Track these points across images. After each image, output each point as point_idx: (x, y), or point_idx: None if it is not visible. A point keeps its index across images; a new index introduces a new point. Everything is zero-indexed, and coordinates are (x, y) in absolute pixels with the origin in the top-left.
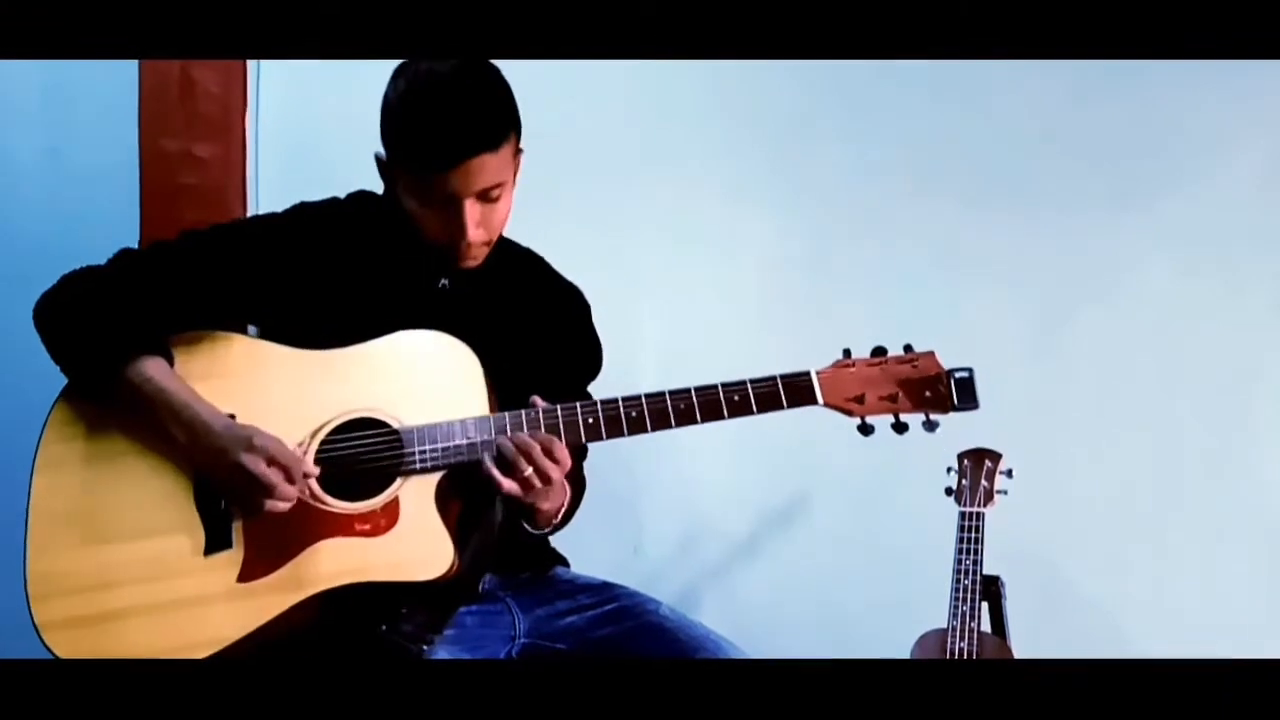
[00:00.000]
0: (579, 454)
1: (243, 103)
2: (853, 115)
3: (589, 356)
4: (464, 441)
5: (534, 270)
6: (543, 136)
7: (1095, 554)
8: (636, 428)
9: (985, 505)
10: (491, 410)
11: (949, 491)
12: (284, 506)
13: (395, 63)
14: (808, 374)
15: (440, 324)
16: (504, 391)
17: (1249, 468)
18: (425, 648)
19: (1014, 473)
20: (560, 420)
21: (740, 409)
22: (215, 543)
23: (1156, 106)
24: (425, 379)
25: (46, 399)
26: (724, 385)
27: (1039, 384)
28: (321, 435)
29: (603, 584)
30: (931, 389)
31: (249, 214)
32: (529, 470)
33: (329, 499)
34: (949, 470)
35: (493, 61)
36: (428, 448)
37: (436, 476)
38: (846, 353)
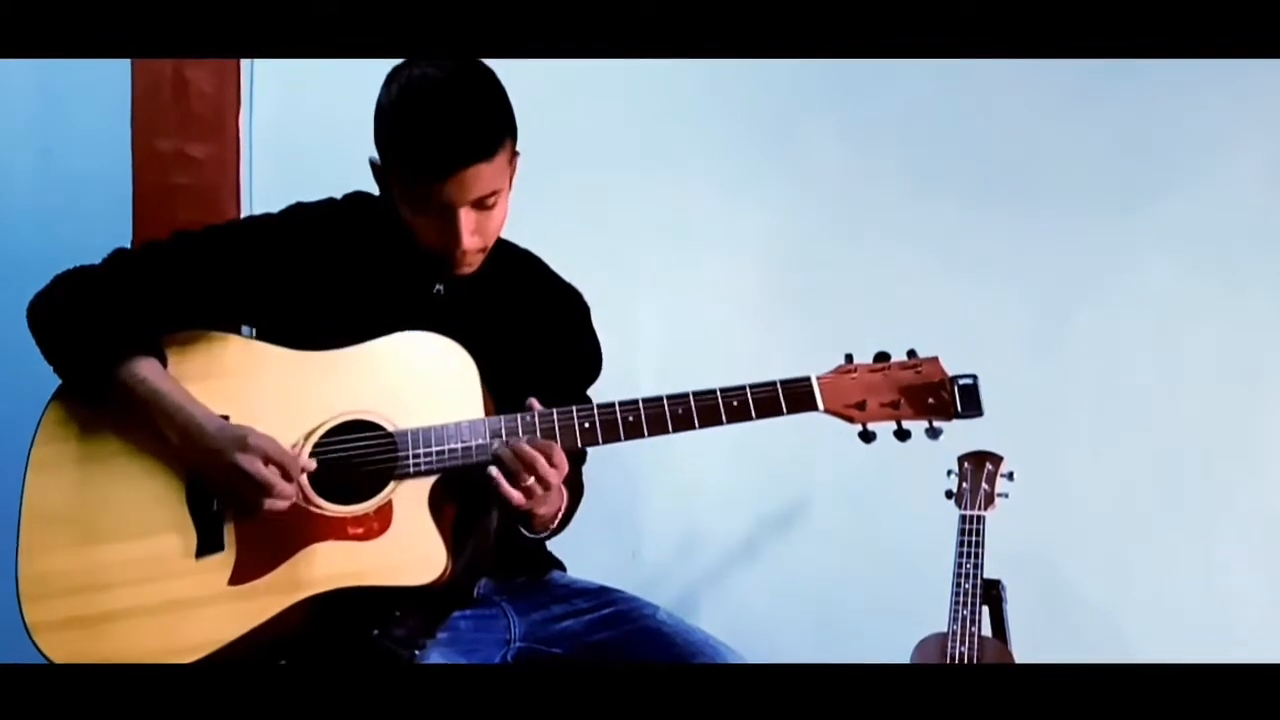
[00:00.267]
0: (578, 458)
1: (236, 102)
2: (852, 115)
3: (588, 359)
4: (459, 445)
5: (532, 273)
6: (540, 136)
7: (1096, 557)
8: (633, 433)
9: (986, 508)
10: (487, 413)
11: (949, 495)
12: (282, 505)
13: (390, 62)
14: (808, 379)
15: (435, 329)
16: (502, 395)
17: (1251, 470)
18: (417, 653)
19: (1015, 475)
20: (556, 425)
21: (739, 415)
22: (207, 545)
23: (1157, 106)
24: (420, 381)
25: (40, 400)
26: (723, 391)
27: (1040, 386)
28: (315, 437)
29: (600, 588)
30: (935, 396)
31: (243, 214)
32: (531, 479)
33: (322, 502)
34: (949, 473)
35: (487, 64)
36: (422, 451)
37: (431, 480)
38: (848, 358)
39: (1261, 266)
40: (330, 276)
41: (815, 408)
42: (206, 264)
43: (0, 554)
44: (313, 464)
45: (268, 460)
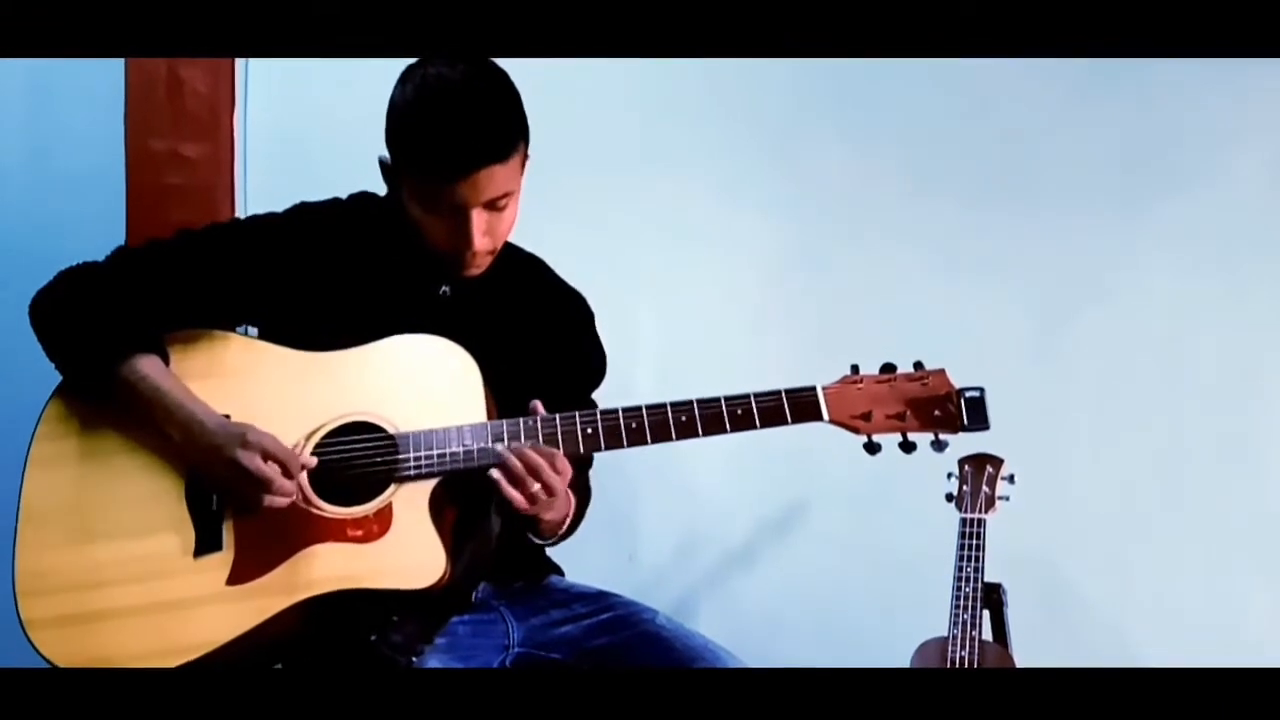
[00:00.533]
0: (584, 463)
1: (231, 102)
2: (852, 115)
3: (591, 364)
4: (460, 449)
5: (536, 276)
6: (538, 136)
7: (1098, 561)
8: (636, 439)
9: (986, 511)
10: (490, 417)
11: (949, 498)
12: (282, 502)
13: (387, 62)
14: (813, 390)
15: (440, 331)
16: (505, 399)
17: (1254, 472)
18: (415, 659)
19: (1015, 478)
20: (559, 430)
21: (743, 423)
22: (205, 544)
23: (1158, 106)
24: (423, 384)
25: (39, 397)
26: (727, 399)
27: (1040, 387)
28: (316, 438)
29: (598, 593)
30: (941, 408)
31: (237, 214)
32: (536, 486)
33: (321, 503)
34: (949, 476)
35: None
36: (423, 454)
37: (431, 483)
38: (854, 368)
39: (1263, 267)
40: (335, 277)
41: (820, 418)
42: (210, 262)
43: None
44: (313, 461)
45: (267, 456)
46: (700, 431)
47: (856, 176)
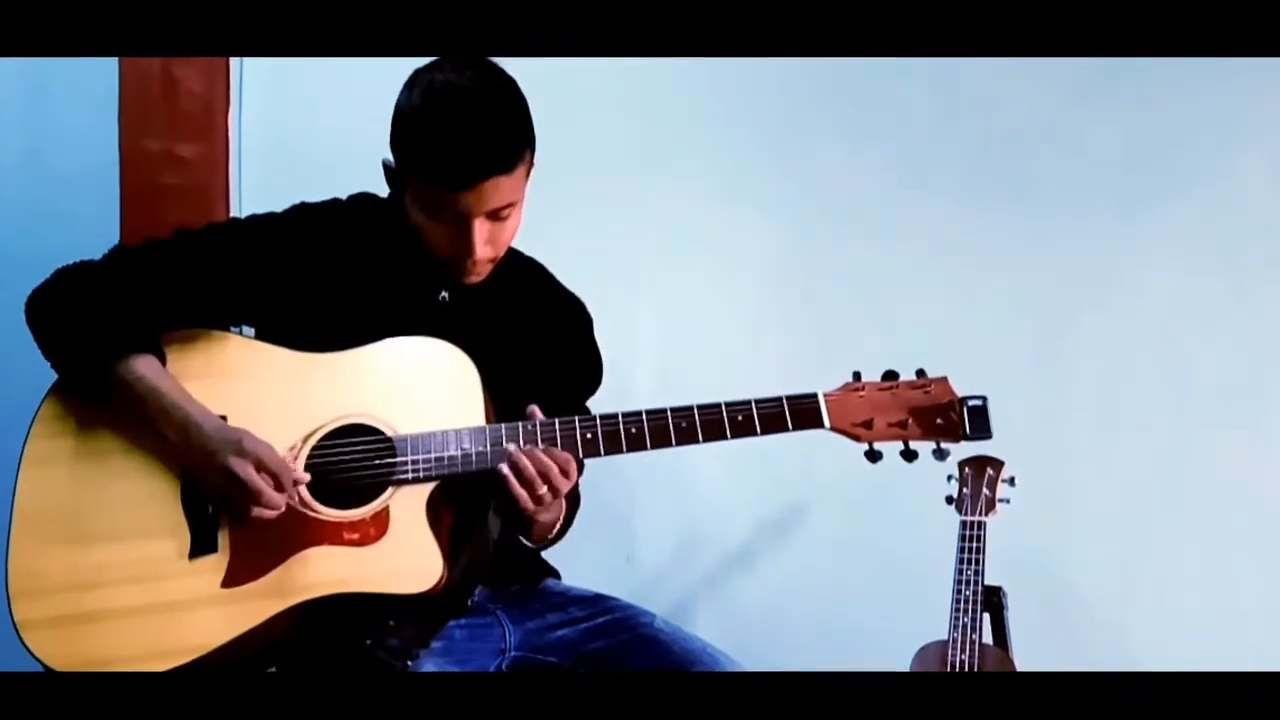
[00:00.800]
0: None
1: (226, 101)
2: (852, 116)
3: (589, 371)
4: (458, 452)
5: (536, 282)
6: (537, 137)
7: (1099, 563)
8: (636, 444)
9: (987, 514)
10: (488, 420)
11: (950, 500)
12: (270, 514)
13: (381, 61)
14: (815, 397)
15: (439, 336)
16: (503, 403)
17: (1257, 475)
18: (410, 663)
19: (1016, 480)
20: (558, 434)
21: (744, 430)
22: (201, 546)
23: (1161, 106)
24: (422, 386)
25: (35, 395)
26: (728, 405)
27: (1042, 389)
28: (314, 440)
29: (595, 596)
30: (943, 416)
31: (232, 215)
32: (544, 489)
33: (318, 506)
34: (950, 478)
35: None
36: (420, 457)
37: (429, 487)
38: (856, 375)
39: (1266, 268)
40: (334, 279)
41: (822, 425)
42: (209, 262)
43: None
44: (306, 477)
45: (261, 467)
46: (700, 438)
47: (857, 178)
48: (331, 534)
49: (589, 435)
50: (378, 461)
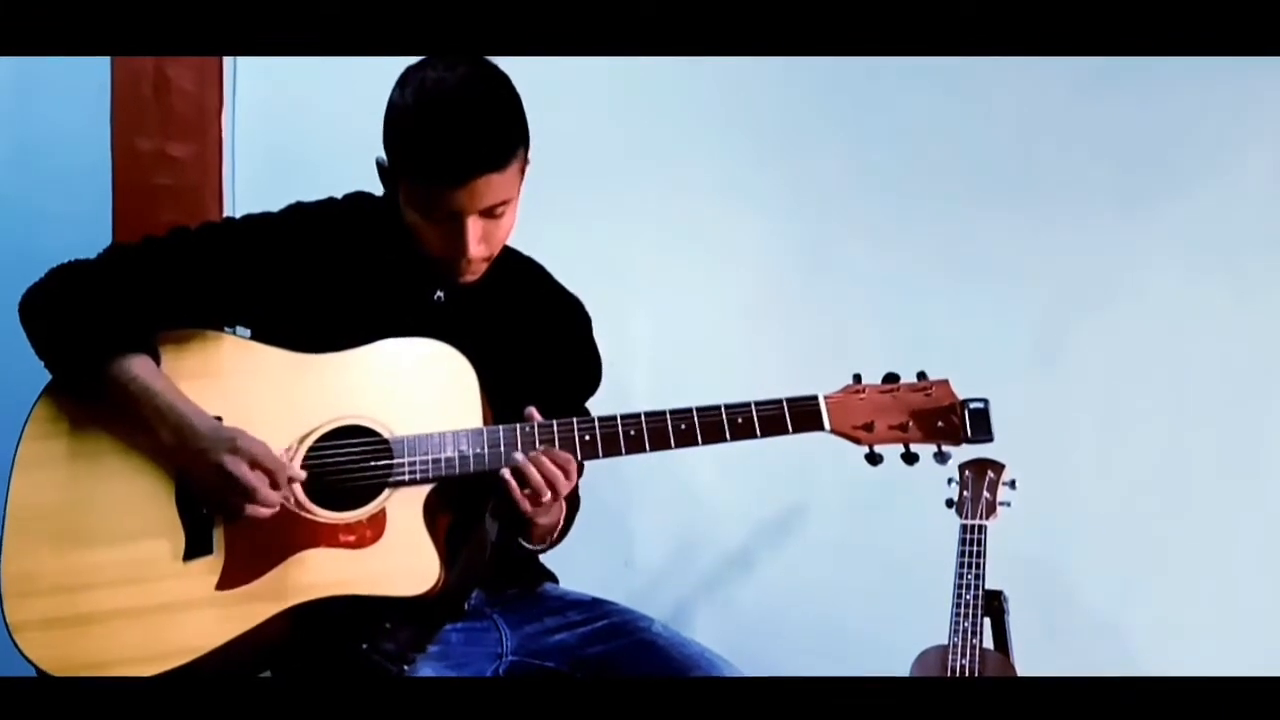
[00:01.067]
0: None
1: (219, 101)
2: (852, 116)
3: (588, 372)
4: (455, 454)
5: (533, 282)
6: (532, 136)
7: (1102, 568)
8: (635, 447)
9: (987, 517)
10: (486, 421)
11: (950, 503)
12: (265, 513)
13: (375, 60)
14: (815, 399)
15: (434, 337)
16: (501, 404)
17: (1259, 479)
18: (407, 667)
19: (1017, 483)
20: (556, 436)
21: (743, 432)
22: (195, 548)
23: (1163, 105)
24: (419, 388)
25: (28, 396)
26: (727, 407)
27: (1043, 391)
28: (310, 441)
29: (593, 600)
30: (945, 419)
31: (225, 215)
32: (548, 495)
33: (314, 507)
34: (950, 481)
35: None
36: (418, 459)
37: (426, 489)
38: (856, 378)
39: (1270, 270)
40: (329, 279)
41: (822, 427)
42: (203, 261)
43: None
44: (302, 475)
45: (255, 465)
46: (700, 440)
47: (857, 178)
48: (327, 536)
49: (587, 437)
50: (374, 463)
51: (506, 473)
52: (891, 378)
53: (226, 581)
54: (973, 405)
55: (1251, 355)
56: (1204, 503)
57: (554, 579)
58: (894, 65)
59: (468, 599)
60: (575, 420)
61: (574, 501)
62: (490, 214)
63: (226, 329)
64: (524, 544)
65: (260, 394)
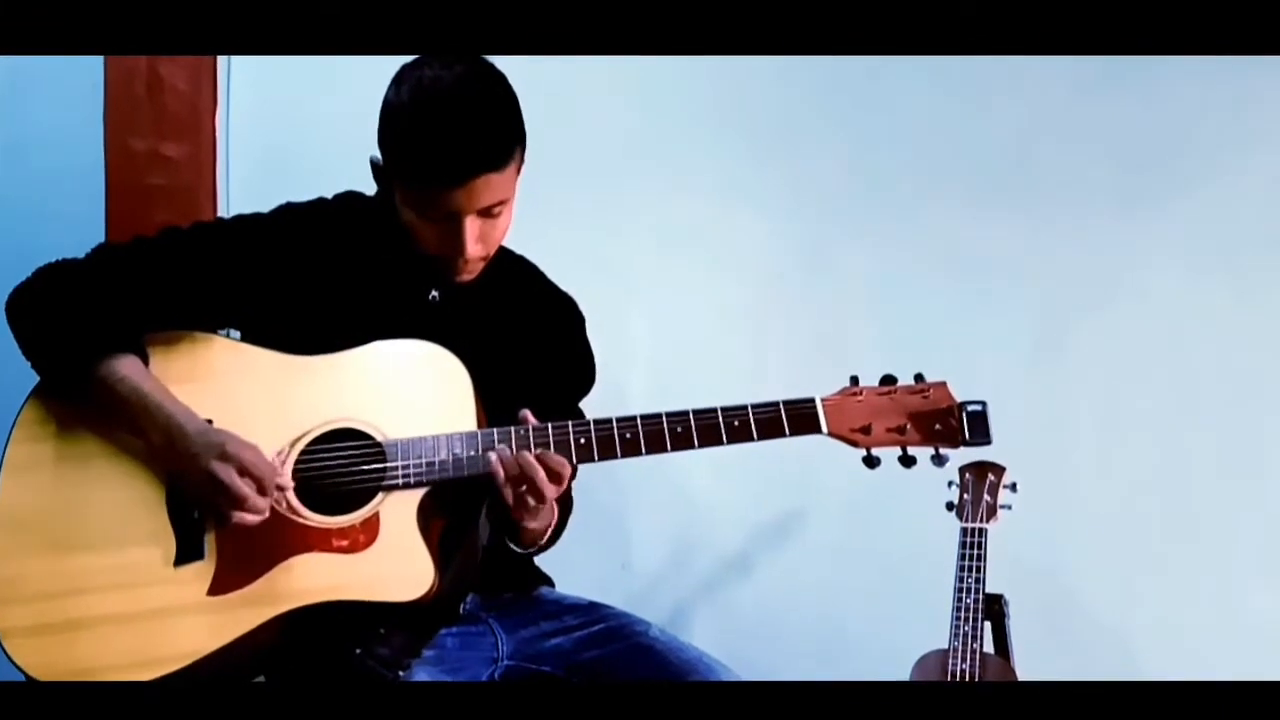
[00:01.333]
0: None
1: (213, 101)
2: (851, 115)
3: (582, 372)
4: (449, 457)
5: (528, 281)
6: (529, 135)
7: (1103, 571)
8: (630, 450)
9: (988, 521)
10: (480, 424)
11: (950, 506)
12: (253, 520)
13: (370, 59)
14: (812, 401)
15: (428, 337)
16: (494, 407)
17: (1261, 481)
18: (401, 672)
19: (1018, 486)
20: (551, 439)
21: (740, 435)
22: (186, 553)
23: (1165, 105)
24: (412, 390)
25: (16, 398)
26: (724, 410)
27: (1043, 393)
28: (301, 445)
29: (590, 604)
30: (942, 422)
31: (219, 215)
32: (523, 488)
33: (306, 512)
34: (950, 484)
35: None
36: (411, 462)
37: (419, 493)
38: (854, 380)
39: (1268, 269)
40: (321, 280)
41: (819, 430)
42: (193, 262)
43: None
44: (291, 483)
45: (244, 471)
46: (696, 443)
47: (856, 178)
48: (320, 541)
49: (582, 440)
50: (367, 467)
51: (494, 460)
52: (889, 380)
53: (218, 587)
54: (970, 407)
55: (1252, 356)
56: (1205, 505)
57: (550, 582)
58: (894, 65)
59: (463, 603)
60: (570, 423)
61: (567, 504)
62: (488, 213)
63: (217, 332)
64: (513, 547)
65: (251, 396)
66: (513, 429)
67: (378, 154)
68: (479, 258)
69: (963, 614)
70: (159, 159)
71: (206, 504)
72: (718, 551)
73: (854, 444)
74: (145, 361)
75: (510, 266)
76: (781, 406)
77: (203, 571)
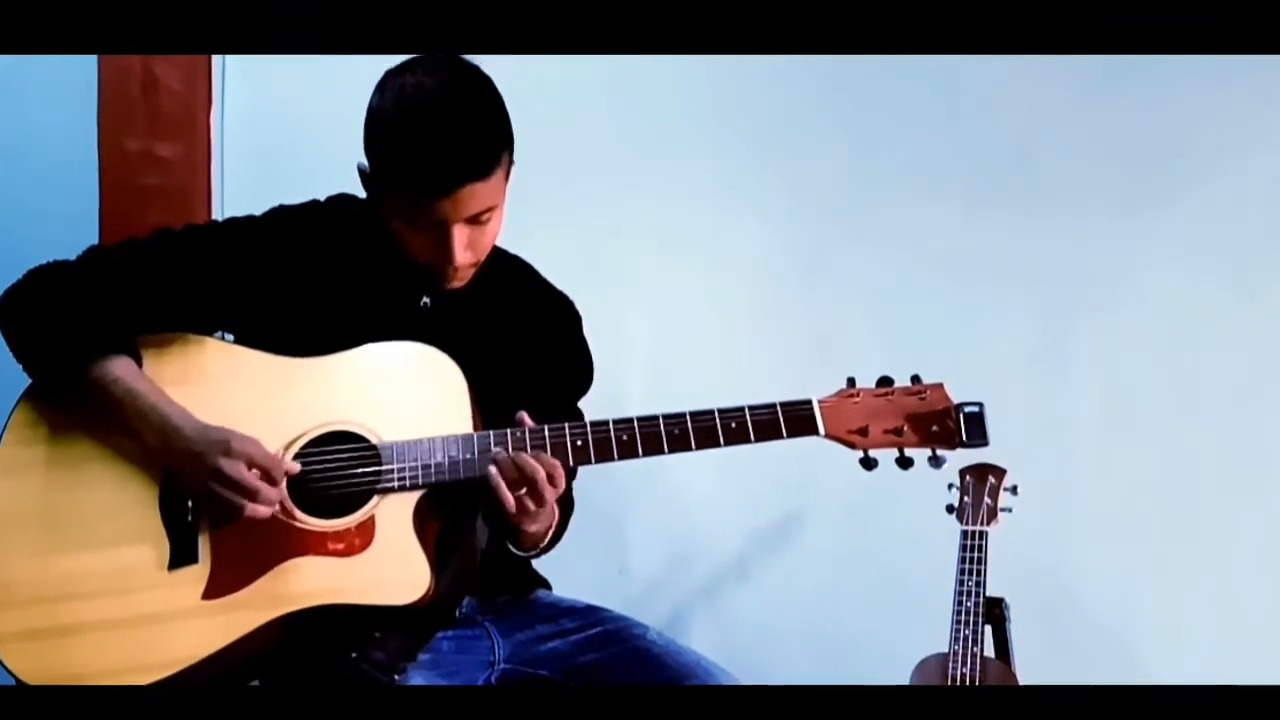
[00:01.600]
0: (568, 475)
1: (207, 100)
2: (850, 115)
3: (579, 371)
4: (445, 460)
5: (522, 281)
6: (524, 136)
7: (1104, 574)
8: (627, 452)
9: (988, 523)
10: (475, 426)
11: (950, 509)
12: (265, 512)
13: (365, 59)
14: (809, 403)
15: (422, 341)
16: (490, 410)
17: (1263, 484)
18: (397, 676)
19: (1019, 489)
20: (547, 441)
21: (737, 437)
22: (181, 556)
23: (1166, 105)
24: (407, 393)
25: (7, 401)
26: (721, 412)
27: (1044, 395)
28: (296, 448)
29: (587, 607)
30: (939, 423)
31: (213, 216)
32: (523, 490)
33: (302, 515)
34: (950, 487)
35: (481, 69)
36: (407, 465)
37: (415, 495)
38: (851, 381)
39: (1271, 271)
40: (313, 283)
41: (816, 432)
42: (186, 264)
43: None
44: (296, 466)
45: (252, 464)
46: (693, 445)
47: (853, 179)
48: (315, 544)
49: (579, 442)
50: (362, 470)
51: (493, 469)
52: (886, 381)
53: (213, 591)
54: (967, 409)
55: (1253, 357)
56: (1206, 506)
57: (547, 586)
58: (894, 65)
59: (459, 606)
60: (567, 425)
61: (567, 506)
62: (476, 221)
63: (208, 334)
64: (514, 550)
65: (245, 399)
66: (509, 431)
67: (364, 161)
68: (468, 265)
69: (963, 617)
70: (153, 159)
71: (215, 502)
72: (716, 554)
73: (851, 446)
74: (139, 364)
75: (504, 267)
76: (779, 408)
77: (197, 575)
